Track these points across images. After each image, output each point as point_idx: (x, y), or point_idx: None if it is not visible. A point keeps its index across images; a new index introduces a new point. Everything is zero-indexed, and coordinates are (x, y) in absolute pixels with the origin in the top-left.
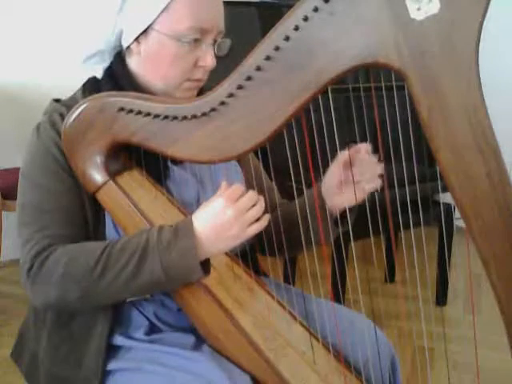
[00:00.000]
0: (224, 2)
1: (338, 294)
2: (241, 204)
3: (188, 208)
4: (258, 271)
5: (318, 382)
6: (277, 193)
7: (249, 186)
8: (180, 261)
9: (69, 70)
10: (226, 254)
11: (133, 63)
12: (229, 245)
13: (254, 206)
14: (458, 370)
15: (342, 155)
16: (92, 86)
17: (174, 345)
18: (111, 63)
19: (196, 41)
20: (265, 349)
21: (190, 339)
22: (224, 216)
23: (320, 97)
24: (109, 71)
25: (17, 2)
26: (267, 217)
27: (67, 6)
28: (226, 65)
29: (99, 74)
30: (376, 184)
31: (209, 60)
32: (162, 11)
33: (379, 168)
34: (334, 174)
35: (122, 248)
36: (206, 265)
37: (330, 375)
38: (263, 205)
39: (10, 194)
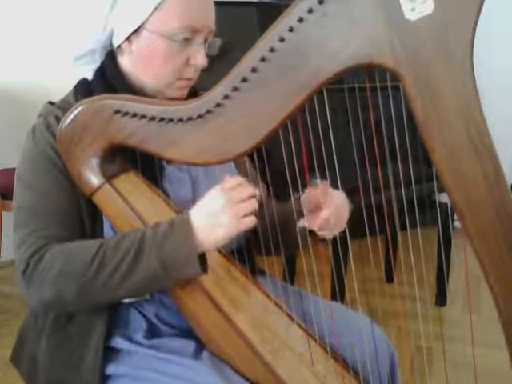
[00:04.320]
0: (223, 1)
1: (337, 294)
2: (234, 193)
3: (184, 208)
4: (255, 270)
5: (317, 383)
6: (265, 194)
7: None
8: (177, 251)
9: (69, 70)
10: (223, 254)
11: (124, 62)
12: (223, 235)
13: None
14: (457, 370)
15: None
16: (84, 88)
17: (174, 352)
18: (102, 63)
19: (187, 40)
20: (262, 350)
21: (190, 345)
22: (215, 203)
23: (315, 97)
24: (100, 71)
25: (17, 3)
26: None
27: (67, 7)
28: (225, 65)
29: (90, 76)
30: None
31: (200, 59)
32: (154, 10)
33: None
34: (309, 199)
35: (117, 244)
36: (203, 261)
37: (329, 376)
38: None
39: (9, 193)
